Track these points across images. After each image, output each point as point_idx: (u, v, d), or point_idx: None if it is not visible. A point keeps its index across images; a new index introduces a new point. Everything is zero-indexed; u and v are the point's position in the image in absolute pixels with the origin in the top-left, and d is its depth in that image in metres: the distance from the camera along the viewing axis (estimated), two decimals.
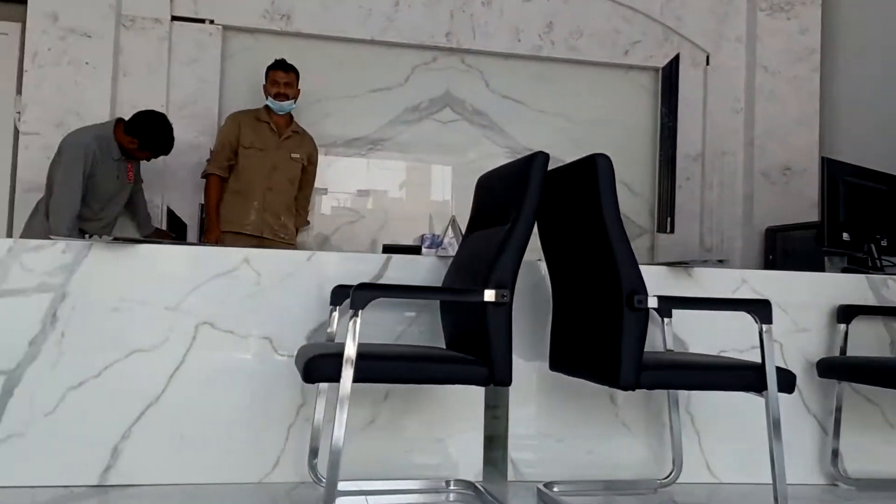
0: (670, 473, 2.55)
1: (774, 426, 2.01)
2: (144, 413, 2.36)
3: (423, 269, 2.57)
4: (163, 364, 2.39)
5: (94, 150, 3.47)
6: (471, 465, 2.54)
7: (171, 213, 4.01)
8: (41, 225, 3.49)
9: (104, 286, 2.37)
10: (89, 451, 2.33)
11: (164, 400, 2.38)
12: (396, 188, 4.59)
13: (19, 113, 4.01)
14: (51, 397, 2.32)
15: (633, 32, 4.74)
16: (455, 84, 4.61)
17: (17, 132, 4.07)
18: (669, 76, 4.73)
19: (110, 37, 4.03)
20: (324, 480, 2.28)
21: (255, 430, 2.42)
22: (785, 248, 4.37)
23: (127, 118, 3.59)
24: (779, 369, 2.03)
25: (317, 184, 4.44)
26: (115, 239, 2.40)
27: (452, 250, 2.66)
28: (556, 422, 2.60)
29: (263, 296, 2.46)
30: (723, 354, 2.62)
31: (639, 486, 2.56)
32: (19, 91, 4.06)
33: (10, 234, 4.03)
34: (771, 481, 2.01)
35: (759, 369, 2.02)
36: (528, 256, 2.09)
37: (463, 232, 2.53)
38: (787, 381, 2.05)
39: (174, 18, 4.21)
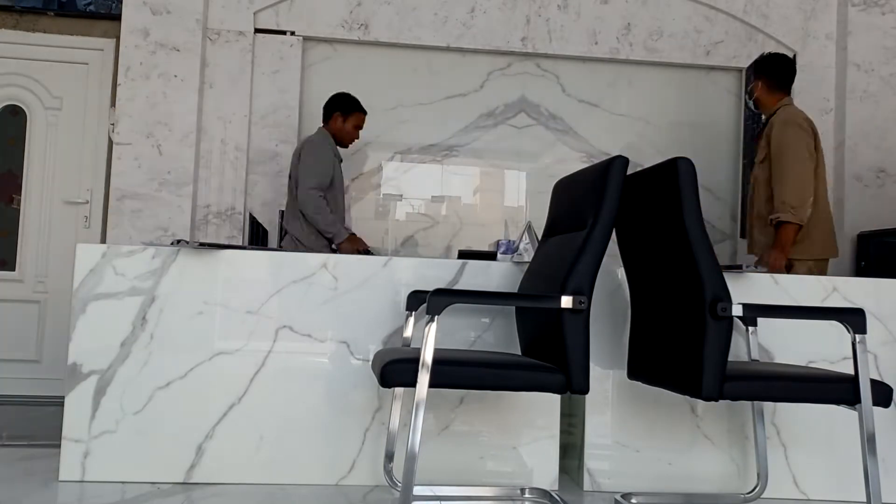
0: (755, 488, 2.46)
1: (868, 441, 1.91)
2: (227, 414, 2.44)
3: (499, 275, 2.56)
4: (245, 366, 2.46)
5: (333, 146, 3.87)
6: (546, 474, 2.51)
7: (252, 220, 4.13)
8: (300, 228, 3.77)
9: (190, 290, 2.46)
10: (175, 450, 2.42)
11: (245, 401, 2.44)
12: (471, 194, 4.60)
13: (113, 124, 4.22)
14: (140, 396, 2.42)
15: (714, 32, 4.62)
16: (530, 89, 4.59)
17: (111, 143, 4.28)
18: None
19: (197, 50, 4.19)
20: (399, 485, 2.29)
21: (332, 433, 2.46)
22: (879, 255, 4.16)
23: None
24: (873, 381, 1.94)
25: (391, 190, 4.51)
26: (201, 245, 2.49)
27: (528, 256, 2.64)
28: (633, 432, 2.54)
29: (340, 300, 2.50)
30: (811, 366, 2.51)
31: (721, 500, 2.47)
32: (113, 104, 4.27)
33: (104, 240, 4.24)
34: (864, 499, 1.91)
35: (852, 381, 1.93)
36: (605, 262, 2.06)
37: (539, 238, 2.51)
38: (882, 394, 1.95)
39: (257, 31, 4.34)
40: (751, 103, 3.63)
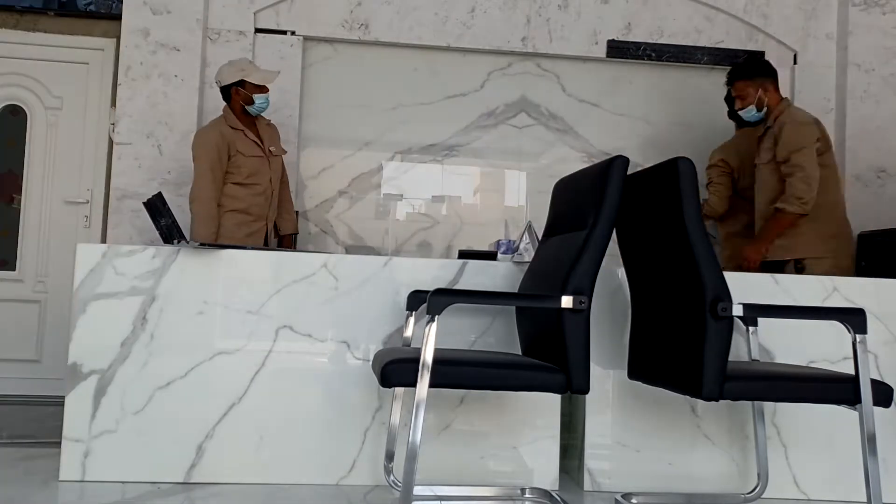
0: (755, 488, 2.45)
1: (869, 441, 1.91)
2: (227, 413, 2.44)
3: (499, 275, 2.56)
4: (245, 366, 2.46)
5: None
6: (546, 474, 2.51)
7: None
8: None
9: (190, 290, 2.46)
10: (176, 449, 2.41)
11: (245, 401, 2.44)
12: (471, 194, 4.59)
13: (113, 124, 4.22)
14: (140, 396, 2.42)
15: (715, 32, 4.61)
16: (531, 89, 4.59)
17: (111, 143, 4.28)
18: None
19: (197, 50, 4.19)
20: (399, 485, 2.29)
21: (332, 433, 2.46)
22: (879, 255, 4.15)
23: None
24: (874, 381, 1.94)
25: (392, 190, 4.51)
26: (201, 245, 2.49)
27: (528, 256, 2.64)
28: (634, 432, 2.54)
29: (341, 300, 2.50)
30: (812, 366, 2.51)
31: (722, 500, 2.47)
32: (113, 104, 4.27)
33: (104, 240, 4.23)
34: (865, 499, 1.91)
35: (853, 381, 1.93)
36: (605, 262, 2.06)
37: (539, 238, 2.51)
38: (883, 394, 1.95)
39: (258, 31, 4.34)
40: (752, 110, 3.51)
